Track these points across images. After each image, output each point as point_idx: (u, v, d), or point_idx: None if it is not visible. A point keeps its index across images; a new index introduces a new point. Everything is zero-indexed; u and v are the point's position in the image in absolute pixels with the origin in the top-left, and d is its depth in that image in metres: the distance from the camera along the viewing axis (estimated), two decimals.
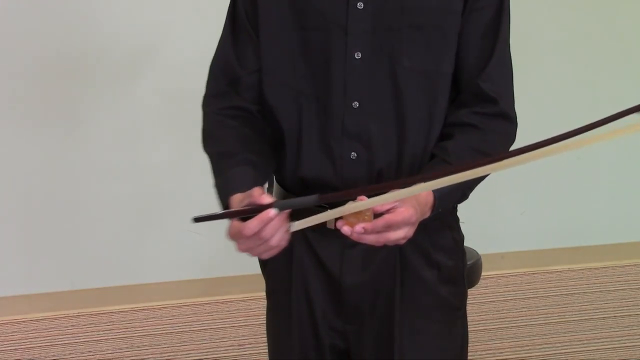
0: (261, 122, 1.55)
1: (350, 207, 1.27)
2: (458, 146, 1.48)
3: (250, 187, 1.34)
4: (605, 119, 1.25)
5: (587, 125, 1.21)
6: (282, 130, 1.54)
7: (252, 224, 1.27)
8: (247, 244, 1.31)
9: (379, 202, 1.26)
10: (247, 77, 1.54)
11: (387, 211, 1.30)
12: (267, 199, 1.28)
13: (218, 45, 1.60)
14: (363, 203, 1.26)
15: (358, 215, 1.29)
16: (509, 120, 1.53)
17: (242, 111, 1.55)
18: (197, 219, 1.27)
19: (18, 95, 3.17)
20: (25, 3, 3.09)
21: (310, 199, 1.27)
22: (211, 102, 1.58)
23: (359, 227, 1.28)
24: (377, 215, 1.30)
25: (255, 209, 1.27)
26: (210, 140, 1.56)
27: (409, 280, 1.55)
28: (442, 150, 1.48)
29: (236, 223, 1.30)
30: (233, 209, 1.30)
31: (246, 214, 1.27)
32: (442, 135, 1.51)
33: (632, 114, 1.22)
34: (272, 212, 1.26)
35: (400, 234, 1.32)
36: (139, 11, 3.17)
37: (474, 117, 1.50)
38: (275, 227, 1.28)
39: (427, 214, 1.41)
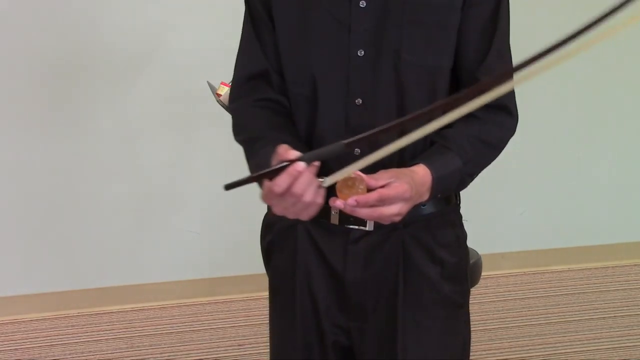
0: (289, 113, 1.56)
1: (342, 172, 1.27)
2: (458, 133, 1.49)
3: None
4: (608, 12, 1.23)
5: (587, 24, 1.19)
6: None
7: (281, 179, 1.24)
8: (281, 203, 1.28)
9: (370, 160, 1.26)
10: (274, 71, 1.55)
11: (382, 187, 1.31)
12: (293, 153, 1.27)
13: (241, 42, 1.61)
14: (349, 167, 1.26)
15: (351, 188, 1.29)
16: (509, 113, 1.54)
17: (272, 102, 1.55)
18: (229, 186, 1.23)
19: (18, 95, 3.17)
20: (25, 3, 3.09)
21: (337, 146, 1.27)
22: (239, 96, 1.59)
23: (351, 200, 1.29)
24: (371, 191, 1.30)
25: (282, 166, 1.24)
26: (242, 129, 1.55)
27: (412, 277, 1.55)
28: (442, 138, 1.49)
29: (268, 183, 1.27)
30: (261, 171, 1.27)
31: (274, 173, 1.24)
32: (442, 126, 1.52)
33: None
34: (300, 164, 1.24)
35: (394, 209, 1.32)
36: (139, 12, 3.17)
37: None
38: (306, 182, 1.26)
39: (425, 196, 1.41)
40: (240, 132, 1.55)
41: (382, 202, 1.31)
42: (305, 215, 1.32)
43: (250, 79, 1.57)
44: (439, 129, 1.50)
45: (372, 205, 1.31)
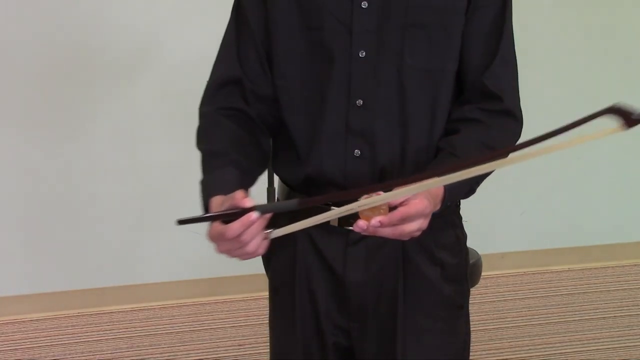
0: (258, 126, 1.55)
1: (364, 202, 1.27)
2: (464, 140, 1.48)
3: (232, 190, 1.34)
4: (578, 121, 1.28)
5: (559, 129, 1.24)
6: (288, 128, 1.55)
7: (235, 226, 1.27)
8: (226, 245, 1.32)
9: (393, 197, 1.27)
10: (247, 80, 1.55)
11: (401, 204, 1.30)
12: (249, 202, 1.28)
13: (221, 46, 1.61)
14: (377, 198, 1.26)
15: (374, 209, 1.29)
16: (514, 118, 1.54)
17: (240, 113, 1.55)
18: (181, 222, 1.28)
19: (18, 95, 3.17)
20: (24, 4, 3.09)
21: (290, 204, 1.30)
22: (209, 102, 1.58)
23: (374, 221, 1.28)
24: (390, 208, 1.30)
25: (236, 212, 1.27)
26: (204, 138, 1.56)
27: (412, 278, 1.55)
28: (449, 144, 1.48)
29: (217, 225, 1.30)
30: (216, 212, 1.31)
31: (228, 217, 1.28)
32: (447, 131, 1.52)
33: (604, 116, 1.24)
34: (254, 215, 1.27)
35: (414, 226, 1.32)
36: (139, 11, 3.17)
37: (478, 113, 1.51)
38: (255, 232, 1.29)
39: (438, 207, 1.41)
40: (203, 141, 1.55)
41: (404, 220, 1.30)
42: (243, 259, 1.35)
43: (223, 85, 1.57)
44: (445, 136, 1.50)
45: (394, 225, 1.30)
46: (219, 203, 1.34)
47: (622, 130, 1.20)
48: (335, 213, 1.30)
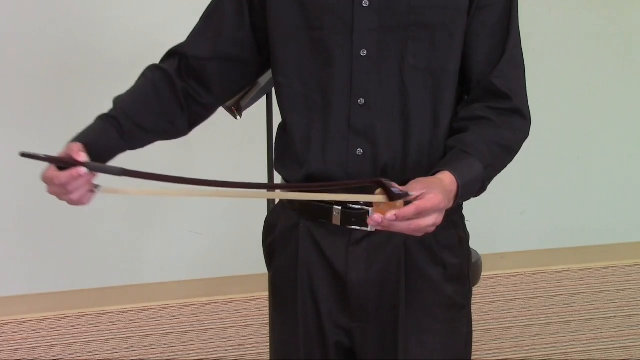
0: (175, 95, 1.59)
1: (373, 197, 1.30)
2: (475, 138, 1.47)
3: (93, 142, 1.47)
4: (344, 183, 1.45)
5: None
6: (291, 127, 1.55)
7: (63, 176, 1.37)
8: (54, 189, 1.42)
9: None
10: (194, 58, 1.59)
11: (416, 198, 1.30)
12: (82, 157, 1.38)
13: (201, 16, 1.64)
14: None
15: (389, 203, 1.29)
16: (523, 117, 1.53)
17: (164, 73, 1.59)
18: (23, 154, 1.37)
19: (18, 95, 3.17)
20: (25, 3, 3.09)
21: (116, 169, 1.41)
22: (153, 66, 1.64)
23: (390, 215, 1.28)
24: (405, 203, 1.30)
25: (70, 162, 1.37)
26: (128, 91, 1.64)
27: (414, 278, 1.55)
28: (460, 142, 1.47)
29: (52, 170, 1.41)
30: (52, 156, 1.41)
31: (62, 164, 1.39)
32: (455, 130, 1.52)
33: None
34: (82, 170, 1.36)
35: (429, 221, 1.31)
36: (139, 11, 3.17)
37: (488, 111, 1.50)
38: (80, 185, 1.38)
39: (451, 203, 1.40)
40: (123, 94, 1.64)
41: (419, 214, 1.30)
42: (71, 204, 1.45)
43: (170, 55, 1.62)
44: (455, 134, 1.50)
45: (409, 219, 1.30)
46: (75, 150, 1.41)
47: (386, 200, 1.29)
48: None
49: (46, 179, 1.43)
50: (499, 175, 1.53)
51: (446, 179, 1.39)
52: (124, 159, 3.41)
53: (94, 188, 1.42)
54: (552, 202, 3.64)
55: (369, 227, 1.42)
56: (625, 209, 3.70)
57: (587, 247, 3.68)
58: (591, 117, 3.60)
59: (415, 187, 1.33)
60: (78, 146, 1.42)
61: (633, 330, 3.21)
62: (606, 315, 3.31)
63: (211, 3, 1.61)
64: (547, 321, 3.27)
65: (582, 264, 3.66)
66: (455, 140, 1.49)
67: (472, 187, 1.45)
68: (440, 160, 1.47)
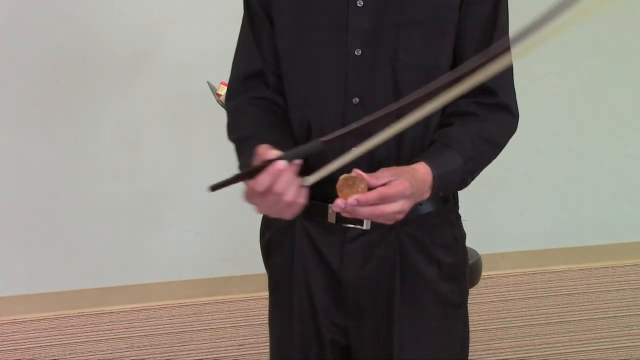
0: (284, 113, 1.56)
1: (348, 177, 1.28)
2: (458, 132, 1.48)
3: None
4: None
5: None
6: (291, 126, 1.56)
7: (262, 178, 1.25)
8: (263, 202, 1.29)
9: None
10: (269, 72, 1.56)
11: (382, 185, 1.31)
12: (273, 153, 1.26)
13: (238, 41, 1.61)
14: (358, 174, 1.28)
15: (352, 188, 1.29)
16: (509, 113, 1.54)
17: (267, 101, 1.56)
18: (214, 187, 1.25)
19: (18, 95, 3.17)
20: (25, 4, 3.09)
21: (315, 144, 1.27)
22: (234, 96, 1.59)
23: (352, 200, 1.28)
24: (371, 189, 1.30)
25: (263, 165, 1.24)
26: (235, 128, 1.56)
27: (409, 276, 1.55)
28: (442, 136, 1.49)
29: (249, 182, 1.27)
30: (242, 171, 1.28)
31: (255, 173, 1.24)
32: (442, 125, 1.52)
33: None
34: (281, 163, 1.24)
35: (395, 207, 1.31)
36: (139, 12, 3.17)
37: (473, 106, 1.51)
38: (287, 181, 1.26)
39: (427, 194, 1.41)
40: (233, 131, 1.56)
41: (383, 200, 1.30)
42: (288, 215, 1.33)
43: (247, 78, 1.58)
44: (439, 128, 1.50)
45: (372, 204, 1.30)
46: (260, 152, 1.31)
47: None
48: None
49: (249, 196, 1.29)
50: (499, 175, 1.53)
51: (421, 169, 1.40)
52: (120, 153, 3.42)
53: (302, 182, 1.28)
54: (552, 202, 3.64)
55: (331, 209, 1.41)
56: (625, 209, 3.70)
57: (587, 247, 3.68)
58: (591, 117, 3.60)
59: (383, 175, 1.33)
60: (264, 147, 1.30)
61: (633, 330, 3.20)
62: (606, 315, 3.31)
63: (245, 18, 1.58)
64: (547, 321, 3.27)
65: (582, 264, 3.66)
66: (439, 134, 1.50)
67: (451, 178, 1.46)
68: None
